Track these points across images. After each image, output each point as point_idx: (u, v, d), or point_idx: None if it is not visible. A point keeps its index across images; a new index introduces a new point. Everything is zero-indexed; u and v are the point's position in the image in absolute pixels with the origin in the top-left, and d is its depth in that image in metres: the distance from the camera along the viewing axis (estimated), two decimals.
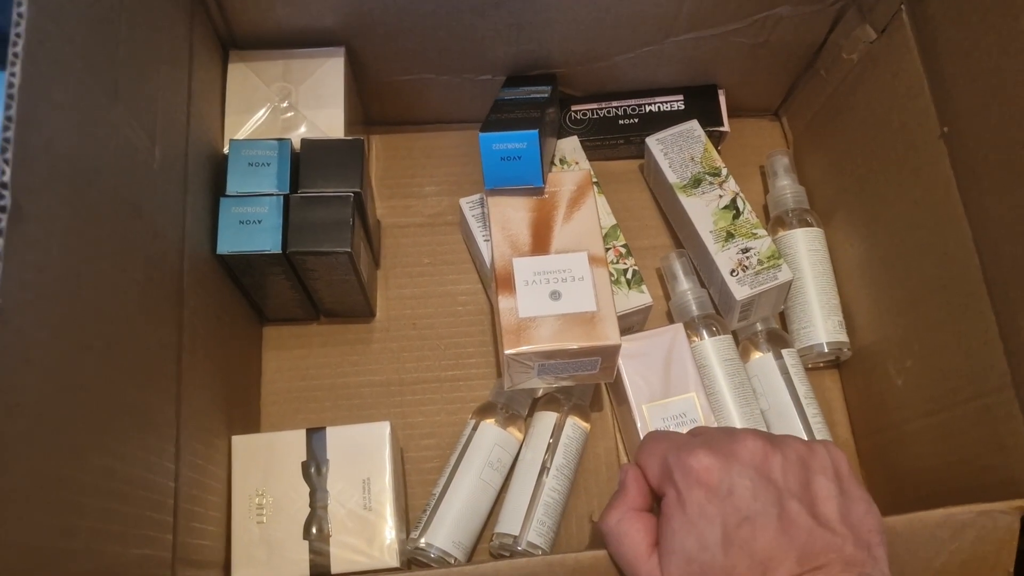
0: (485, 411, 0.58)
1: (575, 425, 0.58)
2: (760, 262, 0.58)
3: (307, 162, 0.53)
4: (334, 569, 0.49)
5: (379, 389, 0.61)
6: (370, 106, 0.66)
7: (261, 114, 0.56)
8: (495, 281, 0.52)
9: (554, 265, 0.53)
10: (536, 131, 0.52)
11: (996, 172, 0.45)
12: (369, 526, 0.50)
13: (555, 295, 0.52)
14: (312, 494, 0.51)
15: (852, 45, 0.58)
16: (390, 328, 0.63)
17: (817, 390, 0.61)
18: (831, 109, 0.63)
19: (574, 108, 0.66)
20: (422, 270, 0.65)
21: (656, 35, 0.60)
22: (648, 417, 0.56)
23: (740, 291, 0.57)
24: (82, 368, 0.34)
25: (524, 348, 0.50)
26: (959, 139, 0.48)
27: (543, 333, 0.50)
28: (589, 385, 0.60)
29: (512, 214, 0.55)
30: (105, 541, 0.35)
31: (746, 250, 0.59)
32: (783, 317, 0.64)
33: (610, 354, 0.51)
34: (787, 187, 0.65)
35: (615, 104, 0.66)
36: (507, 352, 0.50)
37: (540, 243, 0.54)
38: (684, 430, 0.54)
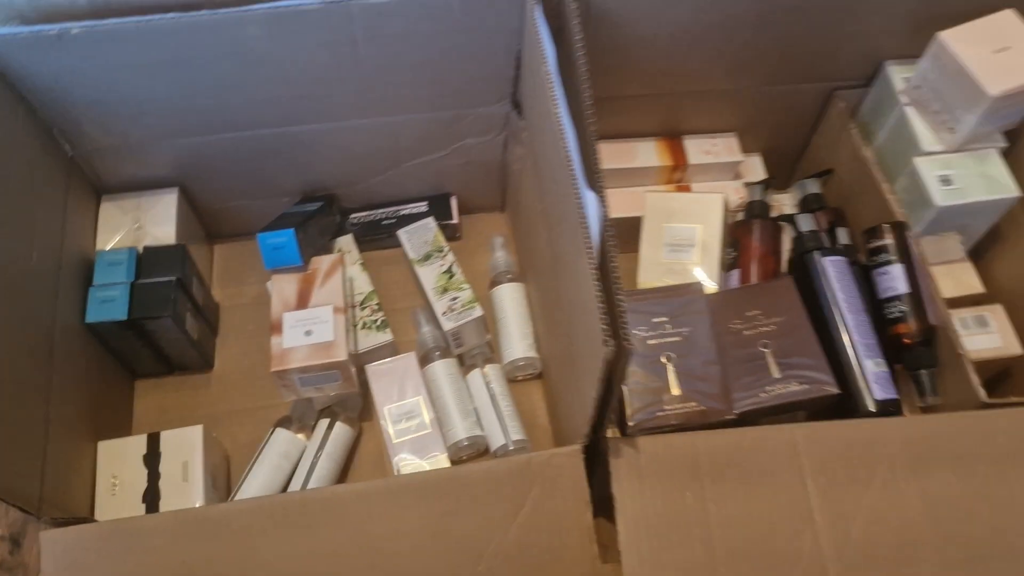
0: (282, 421, 0.84)
1: (344, 427, 0.84)
2: (463, 305, 0.87)
3: (146, 261, 0.82)
4: None
5: (216, 416, 0.87)
6: (209, 225, 0.95)
7: (121, 234, 0.85)
8: (271, 328, 0.80)
9: (310, 314, 0.81)
10: (293, 229, 0.81)
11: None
12: (186, 494, 0.76)
13: (308, 333, 0.79)
14: (149, 475, 0.77)
15: (516, 161, 0.89)
16: (225, 376, 0.90)
17: (525, 396, 0.88)
18: (515, 205, 0.92)
19: (352, 215, 0.96)
20: (249, 334, 0.92)
21: (392, 163, 0.90)
22: (388, 415, 0.83)
23: (448, 324, 0.85)
24: None
25: (283, 367, 0.77)
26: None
27: (297, 356, 0.78)
28: (358, 399, 0.86)
29: (285, 284, 0.83)
30: None
31: (455, 299, 0.87)
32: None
33: (343, 367, 0.78)
34: (500, 257, 0.93)
35: (380, 211, 0.96)
36: (273, 371, 0.77)
37: (302, 301, 0.82)
38: (413, 423, 0.82)
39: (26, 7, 0.67)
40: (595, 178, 0.60)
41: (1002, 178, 0.78)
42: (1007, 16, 0.76)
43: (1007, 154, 0.80)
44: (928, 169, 0.78)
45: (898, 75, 0.83)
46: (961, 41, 0.75)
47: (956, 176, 0.78)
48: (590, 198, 0.57)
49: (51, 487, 0.69)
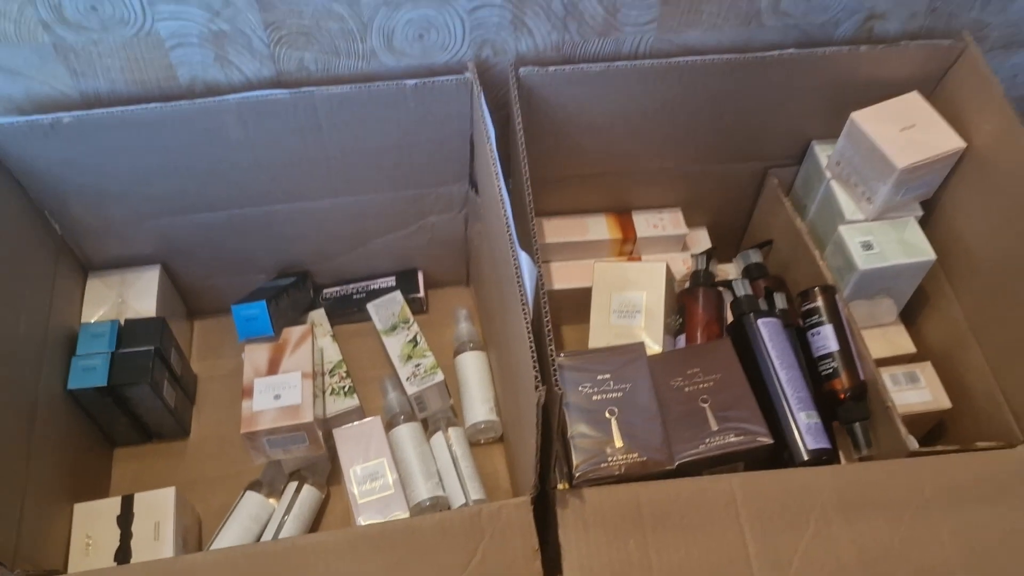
0: (252, 485, 0.88)
1: (312, 491, 0.88)
2: (425, 371, 0.92)
3: (127, 332, 0.87)
4: None
5: (190, 482, 0.91)
6: (190, 302, 1.01)
7: (105, 308, 0.90)
8: (243, 392, 0.85)
9: (279, 380, 0.86)
10: (265, 301, 0.87)
11: None
12: (157, 552, 0.79)
13: (277, 397, 0.84)
14: (122, 535, 0.80)
15: (476, 236, 0.95)
16: (200, 443, 0.94)
17: (487, 459, 0.92)
18: (477, 278, 0.99)
19: (324, 290, 1.02)
20: (224, 404, 0.97)
21: (361, 240, 0.97)
22: (353, 476, 0.86)
23: (411, 389, 0.90)
24: None
25: (252, 428, 0.82)
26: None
27: (265, 419, 0.83)
28: (326, 463, 0.90)
29: (258, 352, 0.88)
30: None
31: (418, 365, 0.92)
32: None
33: (309, 429, 0.83)
34: (464, 328, 0.99)
35: (350, 286, 1.02)
36: (242, 432, 0.82)
37: (273, 367, 0.87)
38: (377, 484, 0.85)
39: (22, 99, 0.75)
40: (530, 242, 0.66)
41: (919, 243, 0.84)
42: (913, 97, 0.84)
43: (923, 222, 0.86)
44: (851, 236, 0.85)
45: (823, 153, 0.91)
46: (872, 120, 0.82)
47: (876, 242, 0.84)
48: (524, 258, 0.63)
49: (26, 543, 0.72)
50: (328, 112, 0.78)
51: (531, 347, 0.60)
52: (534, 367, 0.59)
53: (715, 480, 0.70)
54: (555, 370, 0.60)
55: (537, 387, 0.58)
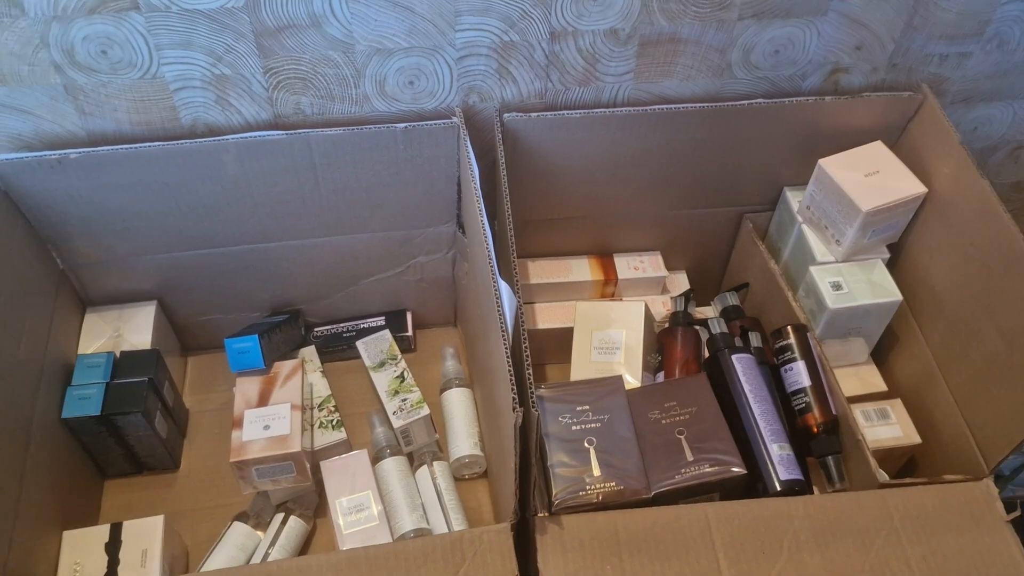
0: (240, 515, 0.89)
1: (298, 522, 0.89)
2: (412, 406, 0.94)
3: (122, 364, 0.90)
4: None
5: (179, 513, 0.92)
6: (185, 338, 1.04)
7: (102, 341, 0.93)
8: (233, 423, 0.87)
9: (269, 411, 0.88)
10: (257, 335, 0.90)
11: None
12: None
13: (266, 427, 0.87)
14: (109, 562, 0.81)
15: (464, 276, 0.99)
16: (190, 475, 0.96)
17: (471, 494, 0.94)
18: (464, 317, 1.02)
19: (316, 328, 1.05)
20: (215, 437, 0.99)
21: (352, 279, 1.00)
22: (339, 507, 0.88)
23: (397, 423, 0.93)
24: None
25: (240, 458, 0.84)
26: None
27: (254, 448, 0.85)
28: (313, 496, 0.92)
29: (249, 384, 0.91)
30: None
31: (404, 400, 0.95)
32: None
33: (296, 459, 0.85)
34: (450, 366, 1.01)
35: (341, 325, 1.05)
36: (231, 461, 0.84)
37: (263, 399, 0.90)
38: (363, 515, 0.87)
39: (32, 136, 0.79)
40: (511, 275, 0.70)
41: (887, 284, 0.88)
42: (877, 146, 0.89)
43: (890, 264, 0.90)
44: (822, 277, 0.89)
45: (794, 198, 0.95)
46: (838, 167, 0.87)
47: (846, 282, 0.88)
48: (504, 287, 0.66)
49: (15, 568, 0.74)
50: (322, 153, 0.83)
51: (509, 370, 0.63)
52: (511, 389, 0.62)
53: (691, 508, 0.72)
54: (531, 392, 0.63)
55: (515, 408, 0.61)
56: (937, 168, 0.86)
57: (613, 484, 0.76)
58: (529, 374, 0.63)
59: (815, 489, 0.84)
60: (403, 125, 0.82)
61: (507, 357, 0.63)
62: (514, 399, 0.61)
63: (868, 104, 0.88)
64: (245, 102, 0.82)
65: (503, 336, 0.65)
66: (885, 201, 0.84)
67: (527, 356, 0.64)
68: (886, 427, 0.89)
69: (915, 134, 0.90)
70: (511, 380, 0.62)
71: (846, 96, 0.88)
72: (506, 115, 0.83)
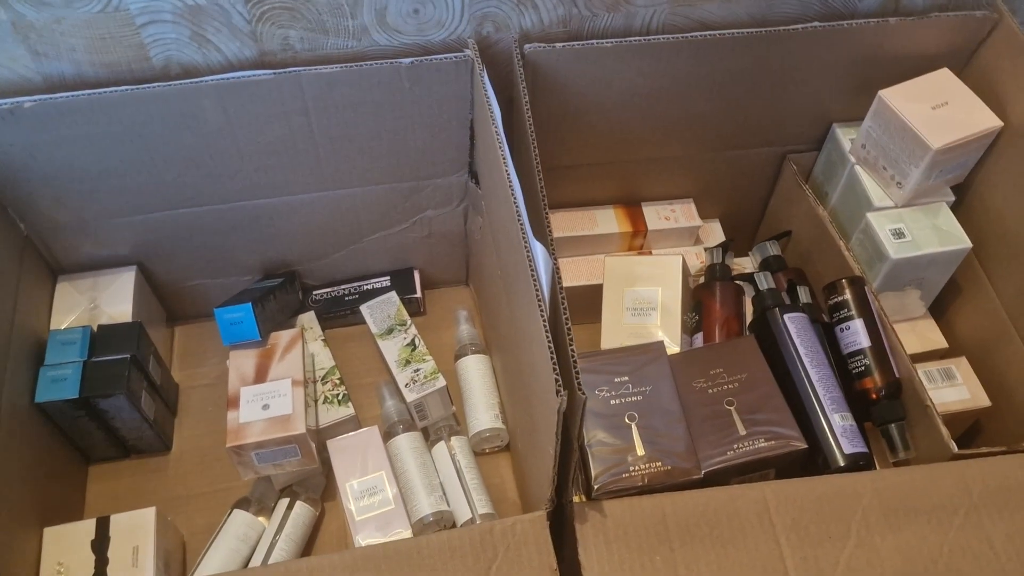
0: (240, 502, 0.81)
1: (305, 507, 0.81)
2: (426, 377, 0.85)
3: (100, 339, 0.80)
4: None
5: (173, 500, 0.84)
6: (170, 307, 0.94)
7: (76, 314, 0.83)
8: (228, 403, 0.78)
9: (268, 388, 0.79)
10: (250, 304, 0.81)
11: None
12: None
13: (266, 407, 0.78)
14: (96, 562, 0.73)
15: (477, 231, 0.89)
16: (182, 458, 0.87)
17: (493, 469, 0.86)
18: (477, 276, 0.92)
19: (314, 292, 0.95)
20: (208, 415, 0.90)
21: (353, 237, 0.91)
22: (350, 491, 0.80)
23: (410, 396, 0.84)
24: None
25: (239, 442, 0.75)
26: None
27: (253, 431, 0.76)
28: (320, 478, 0.84)
29: (244, 359, 0.82)
30: None
31: (417, 370, 0.86)
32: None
33: (302, 441, 0.76)
34: (464, 330, 0.92)
35: (342, 287, 0.95)
36: (228, 446, 0.75)
37: (260, 375, 0.80)
38: (376, 499, 0.79)
39: None
40: (544, 232, 0.60)
41: (953, 230, 0.79)
42: (944, 74, 0.79)
43: (955, 208, 0.81)
44: (881, 224, 0.79)
45: (845, 136, 0.85)
46: (902, 99, 0.77)
47: (908, 229, 0.79)
48: (538, 249, 0.57)
49: None
50: (315, 95, 0.72)
51: (549, 348, 0.53)
52: (554, 370, 0.52)
53: (746, 488, 0.64)
54: (577, 373, 0.53)
55: (558, 392, 0.52)
56: (1013, 98, 0.76)
57: (659, 464, 0.68)
58: (572, 350, 0.54)
59: (875, 461, 0.76)
60: (408, 60, 0.71)
61: (545, 333, 0.54)
62: (556, 380, 0.52)
63: (935, 25, 0.78)
64: (224, 37, 0.71)
65: (539, 307, 0.55)
66: (957, 137, 0.74)
67: (568, 328, 0.55)
68: (951, 389, 0.80)
69: (987, 59, 0.79)
70: (552, 360, 0.53)
71: (912, 17, 0.78)
72: (527, 46, 0.73)
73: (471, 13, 0.73)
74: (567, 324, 0.55)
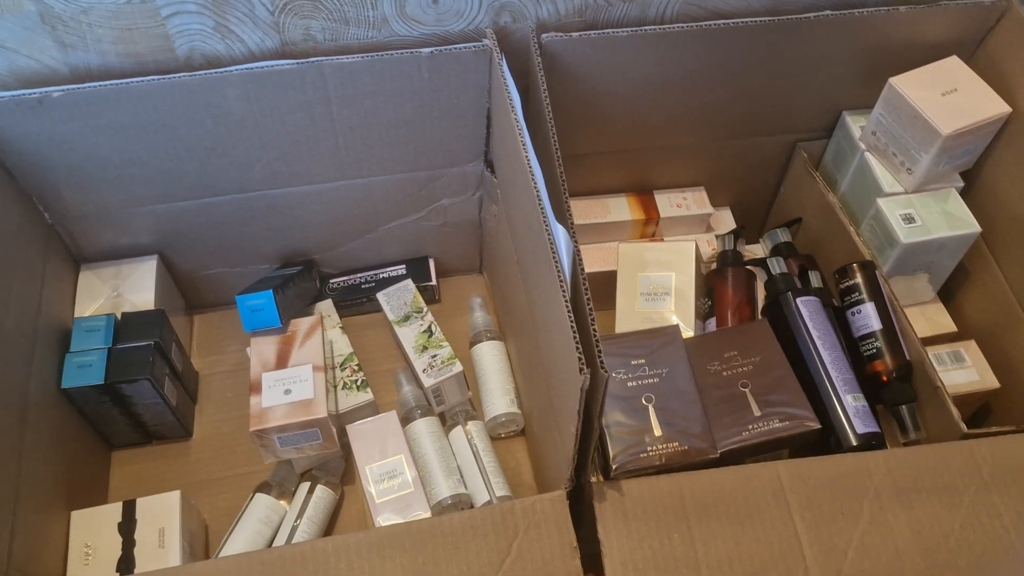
0: (262, 486, 0.82)
1: (325, 491, 0.82)
2: (443, 362, 0.86)
3: (124, 327, 0.81)
4: None
5: (195, 484, 0.85)
6: (189, 295, 0.95)
7: (100, 302, 0.85)
8: (250, 388, 0.80)
9: (289, 374, 0.80)
10: (271, 291, 0.82)
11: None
12: (162, 560, 0.74)
13: (287, 392, 0.79)
14: (124, 544, 0.74)
15: (492, 219, 0.90)
16: (204, 443, 0.89)
17: (509, 453, 0.87)
18: (492, 264, 0.94)
19: (331, 280, 0.97)
20: (228, 401, 0.91)
21: (370, 226, 0.92)
22: (370, 475, 0.81)
23: (428, 381, 0.85)
24: None
25: (261, 426, 0.76)
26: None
27: (275, 415, 0.77)
28: (340, 462, 0.85)
29: (265, 345, 0.83)
30: None
31: (434, 356, 0.87)
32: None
33: (323, 425, 0.78)
34: (479, 317, 0.94)
35: (359, 275, 0.97)
36: (251, 430, 0.76)
37: (281, 361, 0.82)
38: (396, 482, 0.80)
39: (6, 74, 0.69)
40: (564, 216, 0.61)
41: (963, 214, 0.80)
42: (953, 61, 0.80)
43: (964, 194, 0.82)
44: (891, 209, 0.80)
45: (855, 124, 0.86)
46: (912, 85, 0.78)
47: (918, 214, 0.80)
48: (560, 231, 0.58)
49: (20, 554, 0.67)
50: (337, 84, 0.73)
51: (572, 327, 0.55)
52: (577, 348, 0.54)
53: (761, 467, 0.65)
54: (600, 352, 0.55)
55: (581, 370, 0.53)
56: (1022, 85, 0.77)
57: (676, 444, 0.69)
58: (594, 329, 0.55)
59: (887, 442, 0.77)
60: (428, 50, 0.72)
61: (568, 312, 0.55)
62: (580, 359, 0.54)
63: (944, 13, 0.79)
64: (248, 28, 0.72)
65: (561, 288, 0.57)
66: (967, 123, 0.75)
67: (590, 309, 0.57)
68: (961, 371, 0.82)
69: (995, 47, 0.80)
70: (575, 338, 0.54)
71: (922, 5, 0.79)
72: (544, 36, 0.74)
73: (489, 3, 0.74)
74: (588, 304, 0.57)
